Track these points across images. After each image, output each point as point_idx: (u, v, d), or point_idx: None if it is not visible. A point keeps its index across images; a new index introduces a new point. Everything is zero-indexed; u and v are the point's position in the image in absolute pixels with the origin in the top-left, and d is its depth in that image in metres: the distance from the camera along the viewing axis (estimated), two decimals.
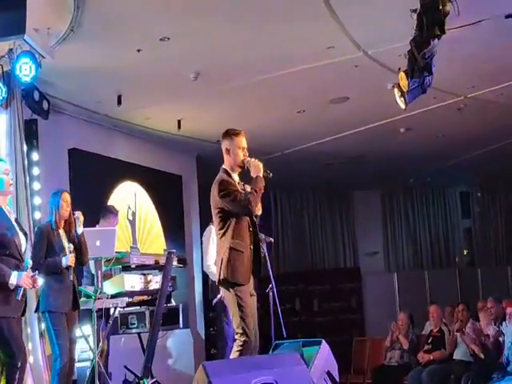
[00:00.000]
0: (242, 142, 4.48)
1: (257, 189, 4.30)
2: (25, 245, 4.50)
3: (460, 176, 11.82)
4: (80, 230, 5.03)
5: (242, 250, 4.30)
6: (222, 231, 4.37)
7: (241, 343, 4.21)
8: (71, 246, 4.98)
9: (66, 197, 5.04)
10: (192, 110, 7.51)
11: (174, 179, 8.85)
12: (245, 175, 4.53)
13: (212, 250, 6.21)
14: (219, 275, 4.32)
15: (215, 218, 4.43)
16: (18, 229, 4.46)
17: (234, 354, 4.24)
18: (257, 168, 4.37)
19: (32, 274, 4.33)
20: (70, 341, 4.97)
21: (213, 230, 6.28)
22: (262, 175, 4.35)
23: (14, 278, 4.21)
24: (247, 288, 4.29)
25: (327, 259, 12.45)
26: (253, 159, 4.43)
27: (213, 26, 5.44)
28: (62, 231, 5.04)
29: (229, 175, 4.43)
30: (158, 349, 5.70)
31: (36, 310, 5.05)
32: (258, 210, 4.40)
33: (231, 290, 4.28)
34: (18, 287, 4.26)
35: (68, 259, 4.86)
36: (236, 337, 4.28)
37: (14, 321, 4.30)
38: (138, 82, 6.50)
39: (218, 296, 6.10)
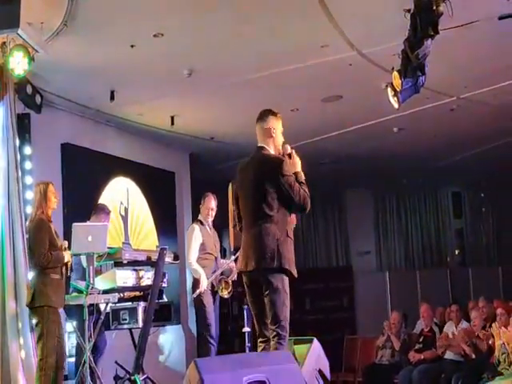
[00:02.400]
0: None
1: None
2: None
3: (452, 176, 11.86)
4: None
5: (292, 237, 4.12)
6: (273, 213, 4.04)
7: (283, 338, 3.99)
8: (66, 242, 4.98)
9: (52, 188, 5.04)
10: (185, 107, 7.51)
11: (167, 176, 8.84)
12: None
13: (195, 248, 6.29)
14: (275, 263, 3.97)
15: (265, 198, 4.04)
16: None
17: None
18: (297, 163, 4.19)
19: None
20: (60, 337, 4.96)
21: (196, 229, 6.37)
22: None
23: None
24: None
25: (319, 258, 12.48)
26: (293, 151, 4.23)
27: (207, 23, 5.43)
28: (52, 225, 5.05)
29: None
30: (149, 345, 5.70)
31: (31, 304, 4.96)
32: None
33: (286, 278, 4.02)
34: None
35: (67, 255, 4.88)
36: (278, 330, 3.99)
37: None
38: (132, 78, 6.49)
39: (198, 291, 6.13)
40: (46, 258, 4.82)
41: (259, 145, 4.25)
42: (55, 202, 5.05)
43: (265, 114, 4.26)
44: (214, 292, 6.28)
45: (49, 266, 4.86)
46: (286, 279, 4.04)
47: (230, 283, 6.19)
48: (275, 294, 4.00)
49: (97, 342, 5.63)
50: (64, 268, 4.97)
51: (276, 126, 4.23)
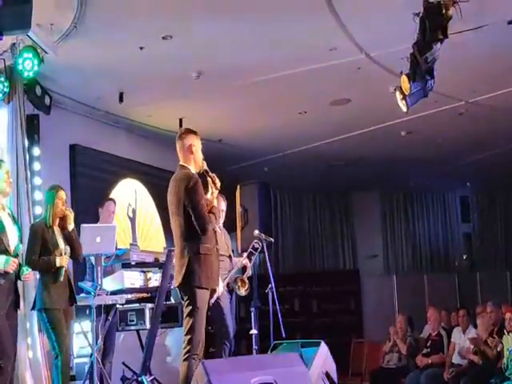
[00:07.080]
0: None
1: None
2: (16, 240, 4.55)
3: (460, 180, 11.83)
4: (71, 226, 4.95)
5: (206, 253, 4.34)
6: (186, 230, 4.31)
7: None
8: (68, 248, 4.92)
9: (62, 194, 4.96)
10: (193, 109, 7.52)
11: None
12: None
13: None
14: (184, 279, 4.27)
15: (182, 216, 4.38)
16: (9, 224, 4.51)
17: None
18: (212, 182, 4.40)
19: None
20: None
21: None
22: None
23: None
24: None
25: (327, 261, 12.45)
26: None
27: (215, 26, 5.45)
28: (56, 228, 4.97)
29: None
30: (156, 346, 5.70)
31: (33, 308, 5.00)
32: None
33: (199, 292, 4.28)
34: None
35: (62, 260, 4.82)
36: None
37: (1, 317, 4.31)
38: (140, 80, 6.50)
39: (215, 296, 6.10)
40: (33, 264, 4.83)
41: (180, 163, 4.46)
42: (61, 209, 4.92)
43: (184, 133, 4.48)
44: (229, 292, 6.24)
45: (40, 270, 4.89)
46: (200, 293, 4.19)
47: (247, 281, 6.15)
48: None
49: (112, 341, 5.69)
50: (62, 270, 4.87)
51: (195, 143, 4.43)
